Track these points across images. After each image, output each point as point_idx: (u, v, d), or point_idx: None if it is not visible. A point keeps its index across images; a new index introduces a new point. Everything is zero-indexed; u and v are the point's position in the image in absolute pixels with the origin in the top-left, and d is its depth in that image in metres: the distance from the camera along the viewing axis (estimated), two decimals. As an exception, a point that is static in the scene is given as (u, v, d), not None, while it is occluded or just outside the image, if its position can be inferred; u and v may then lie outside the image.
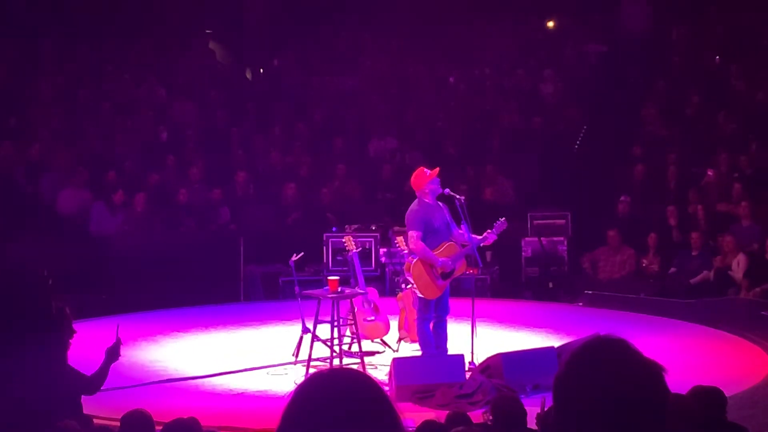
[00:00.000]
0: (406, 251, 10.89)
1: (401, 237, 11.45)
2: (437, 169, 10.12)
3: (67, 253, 14.87)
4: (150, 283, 14.69)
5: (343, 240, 11.78)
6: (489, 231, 10.20)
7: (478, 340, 10.38)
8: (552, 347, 10.08)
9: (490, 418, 7.41)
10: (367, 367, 10.40)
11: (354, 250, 11.19)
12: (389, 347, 11.37)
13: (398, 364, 9.49)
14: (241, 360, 11.10)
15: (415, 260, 9.99)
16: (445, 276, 9.97)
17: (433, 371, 9.41)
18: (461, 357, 9.74)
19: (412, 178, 10.17)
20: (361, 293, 11.00)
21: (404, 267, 10.26)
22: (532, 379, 9.19)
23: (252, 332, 12.95)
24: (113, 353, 6.51)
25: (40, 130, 17.70)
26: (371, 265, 14.89)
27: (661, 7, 20.71)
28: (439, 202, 10.09)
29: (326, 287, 10.49)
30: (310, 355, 10.29)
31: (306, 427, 1.76)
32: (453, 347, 10.30)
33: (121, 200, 16.05)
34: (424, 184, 9.97)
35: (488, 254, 14.98)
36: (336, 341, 10.37)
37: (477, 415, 8.30)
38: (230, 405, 9.38)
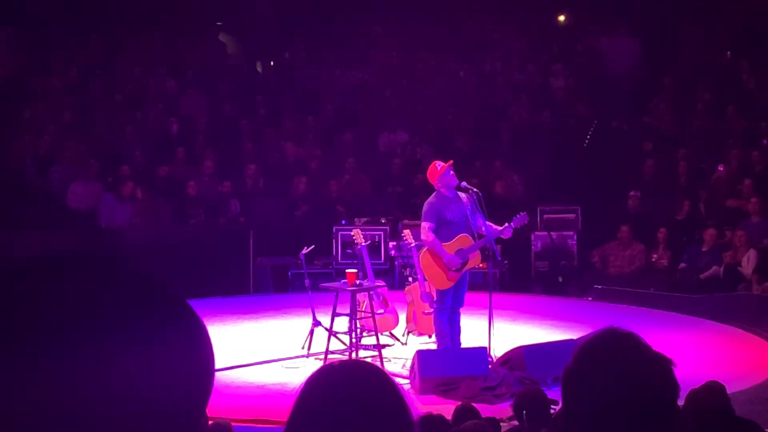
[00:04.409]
0: (412, 244, 10.90)
1: (408, 230, 11.45)
2: (450, 162, 10.12)
3: (76, 246, 14.89)
4: (159, 276, 14.67)
5: (352, 233, 11.77)
6: (508, 224, 10.18)
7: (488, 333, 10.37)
8: (572, 340, 10.07)
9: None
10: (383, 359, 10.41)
11: (363, 243, 11.18)
12: (398, 340, 11.38)
13: (422, 356, 9.46)
14: (254, 353, 11.06)
15: (423, 250, 10.02)
16: (457, 269, 9.97)
17: (456, 364, 9.40)
18: (484, 350, 9.75)
19: (427, 172, 10.23)
20: (381, 286, 10.99)
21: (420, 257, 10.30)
22: (554, 371, 9.16)
23: (262, 325, 12.96)
24: None
25: (50, 122, 17.73)
26: (380, 258, 14.90)
27: (670, 7, 20.56)
28: (460, 194, 10.07)
29: (344, 280, 10.47)
30: (327, 348, 10.29)
31: (317, 419, 1.76)
32: (466, 340, 10.31)
33: (130, 192, 16.07)
34: (435, 178, 10.00)
35: (498, 248, 14.97)
36: (354, 334, 10.38)
37: (502, 408, 8.30)
38: (252, 397, 9.31)
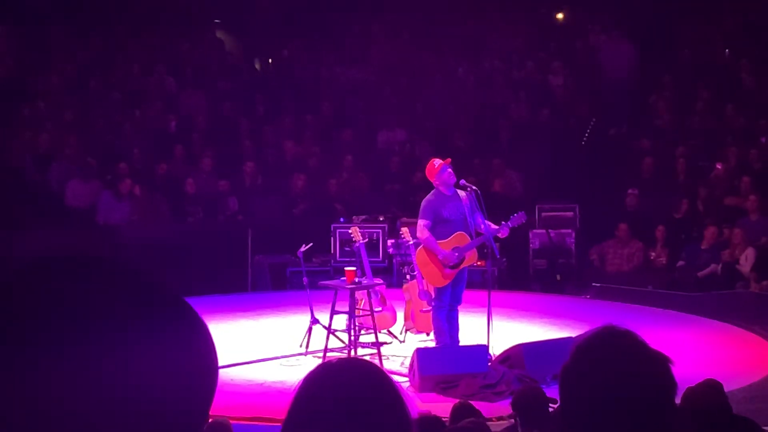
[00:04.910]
0: (411, 242, 10.90)
1: (406, 228, 11.46)
2: (448, 159, 10.13)
3: (74, 243, 14.88)
4: (157, 273, 14.64)
5: (350, 231, 11.76)
6: (505, 223, 10.17)
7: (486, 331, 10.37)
8: (571, 338, 10.07)
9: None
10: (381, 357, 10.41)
11: (361, 241, 11.17)
12: (396, 338, 11.39)
13: (421, 354, 9.47)
14: (252, 351, 11.06)
15: (419, 247, 10.04)
16: (453, 266, 9.97)
17: (455, 362, 9.41)
18: (484, 347, 9.75)
19: (425, 169, 10.25)
20: (380, 284, 10.98)
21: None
22: (553, 369, 9.16)
23: (260, 322, 12.95)
24: None
25: (50, 120, 17.72)
26: (379, 256, 14.90)
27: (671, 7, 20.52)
28: (459, 192, 10.07)
29: (342, 278, 10.47)
30: (326, 346, 10.29)
31: (314, 417, 1.76)
32: (464, 338, 10.31)
33: (128, 190, 16.07)
34: (433, 176, 10.03)
35: (497, 246, 14.97)
36: (352, 332, 10.37)
37: (502, 406, 8.30)
38: (251, 395, 9.30)
